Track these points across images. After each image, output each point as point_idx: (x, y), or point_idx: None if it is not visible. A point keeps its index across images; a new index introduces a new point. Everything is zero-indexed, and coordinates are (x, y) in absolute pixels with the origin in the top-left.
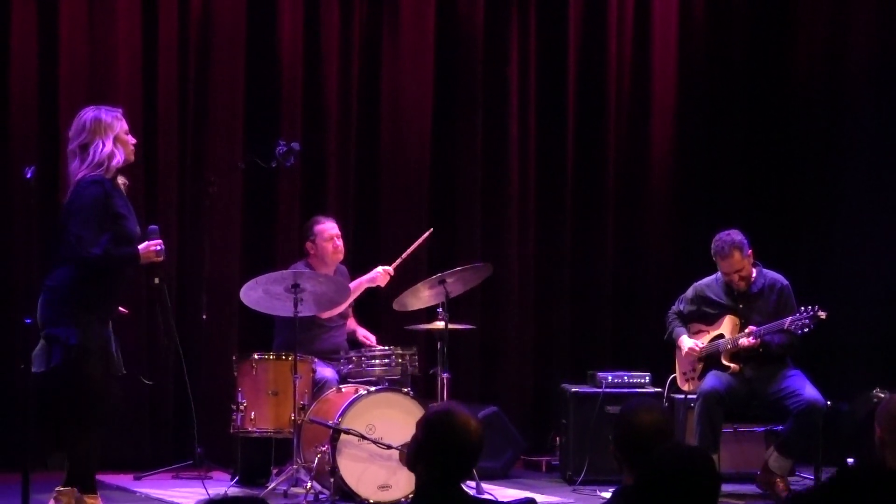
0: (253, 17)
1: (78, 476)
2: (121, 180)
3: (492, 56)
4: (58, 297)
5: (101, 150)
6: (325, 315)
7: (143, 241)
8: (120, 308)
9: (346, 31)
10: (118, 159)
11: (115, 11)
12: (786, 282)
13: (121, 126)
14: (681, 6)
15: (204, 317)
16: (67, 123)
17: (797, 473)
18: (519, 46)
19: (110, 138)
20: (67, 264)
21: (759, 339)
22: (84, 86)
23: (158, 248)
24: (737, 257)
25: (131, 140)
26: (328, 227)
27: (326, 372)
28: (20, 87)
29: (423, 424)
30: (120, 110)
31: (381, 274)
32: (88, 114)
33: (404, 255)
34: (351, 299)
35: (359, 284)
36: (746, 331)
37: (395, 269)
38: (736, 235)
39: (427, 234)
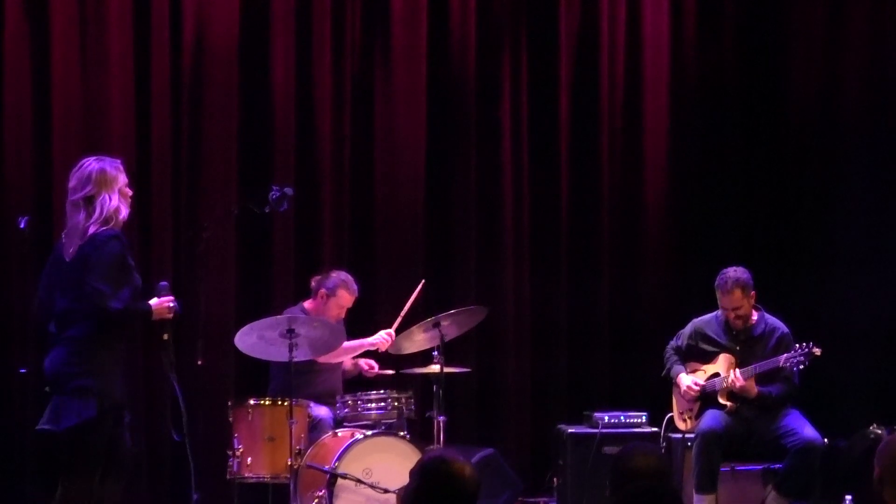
0: (245, 61)
1: None
2: None
3: (484, 98)
4: (82, 350)
5: (108, 204)
6: (322, 359)
7: (148, 294)
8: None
9: (339, 75)
10: (124, 214)
11: (107, 59)
12: (786, 329)
13: (122, 179)
14: (672, 43)
15: (199, 362)
16: (61, 172)
17: None
18: (511, 88)
19: (115, 192)
20: (86, 317)
21: (752, 384)
22: (78, 133)
23: (171, 304)
24: (737, 295)
25: (129, 192)
26: (349, 299)
27: (321, 411)
28: (14, 136)
29: (416, 473)
30: (120, 161)
31: (383, 340)
32: (93, 165)
33: (402, 314)
34: (348, 356)
35: (360, 345)
36: (734, 373)
37: (395, 330)
38: (742, 274)
39: (420, 286)
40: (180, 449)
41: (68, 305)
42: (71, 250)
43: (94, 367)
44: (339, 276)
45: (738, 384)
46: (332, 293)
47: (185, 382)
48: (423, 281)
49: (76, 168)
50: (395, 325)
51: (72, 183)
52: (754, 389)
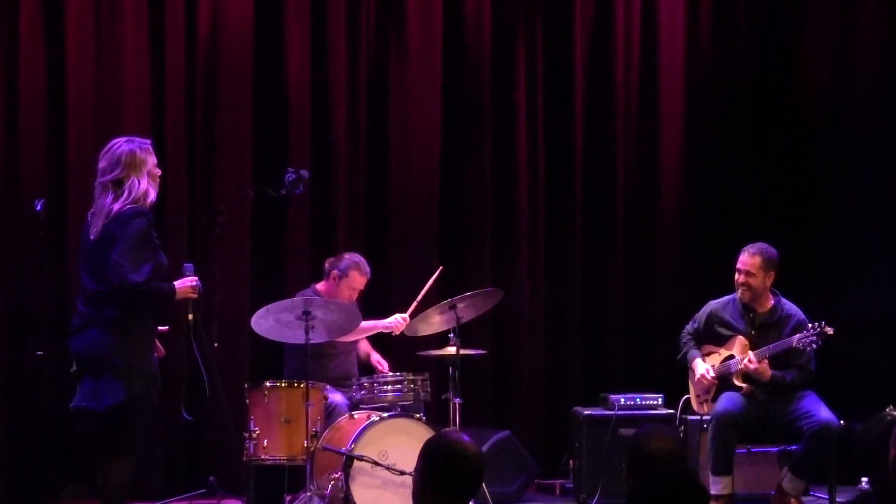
0: (260, 45)
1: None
2: None
3: (499, 82)
4: (118, 329)
5: (137, 187)
6: (339, 339)
7: (174, 277)
8: (159, 327)
9: (354, 60)
10: (152, 197)
11: (123, 43)
12: (803, 316)
13: (152, 160)
14: (687, 30)
15: (216, 345)
16: (75, 158)
17: (812, 494)
18: (526, 73)
19: (144, 174)
20: (112, 298)
21: (766, 366)
22: (92, 120)
23: (194, 283)
24: (757, 260)
25: (158, 172)
26: (360, 280)
27: (336, 397)
28: (29, 120)
29: (421, 456)
30: (149, 142)
31: (398, 322)
32: (123, 147)
33: (419, 298)
34: (362, 336)
35: (374, 326)
36: (749, 356)
37: (410, 315)
38: (770, 248)
39: (438, 272)
40: (196, 431)
41: (96, 287)
42: (95, 230)
43: (130, 348)
44: (351, 257)
45: (751, 366)
46: (344, 275)
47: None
48: (441, 267)
49: (106, 149)
50: (411, 309)
51: (101, 164)
52: (768, 372)
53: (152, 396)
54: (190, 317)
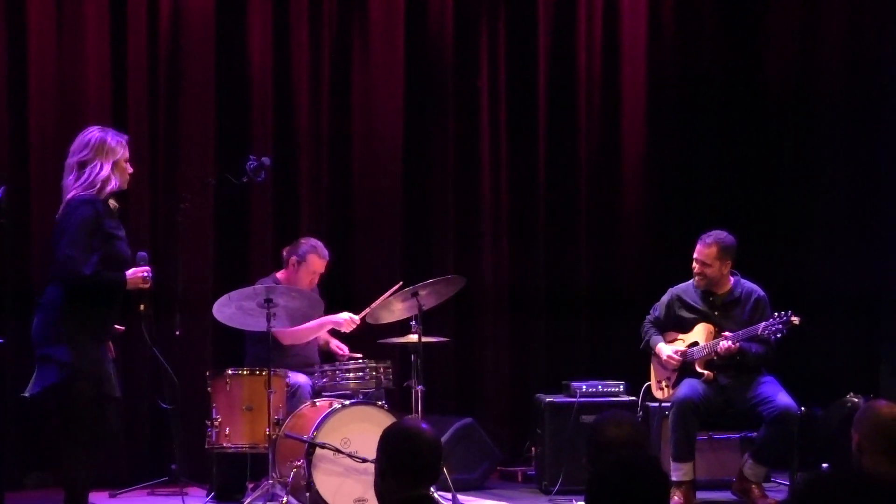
0: (222, 31)
1: (73, 498)
2: (111, 203)
3: (462, 68)
4: (51, 317)
5: (98, 172)
6: (287, 341)
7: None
8: (116, 325)
9: (316, 46)
10: (113, 185)
11: (84, 29)
12: (762, 293)
13: (123, 153)
14: (650, 17)
15: (177, 333)
16: (37, 144)
17: (773, 480)
18: (489, 57)
19: (110, 163)
20: (58, 283)
21: (737, 344)
22: (53, 104)
23: (145, 274)
24: (713, 250)
25: (129, 169)
26: (320, 265)
27: (300, 378)
28: None
29: (379, 444)
30: (126, 138)
31: (346, 321)
32: (95, 134)
33: (373, 305)
34: (312, 336)
35: (322, 323)
36: (724, 335)
37: (361, 319)
38: (727, 237)
39: (397, 286)
40: (158, 420)
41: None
42: (58, 212)
43: (58, 336)
44: (307, 241)
45: (734, 346)
46: (302, 260)
47: (162, 354)
48: (401, 282)
49: (80, 134)
50: (363, 314)
51: (72, 146)
52: (736, 347)
53: (80, 388)
54: (141, 307)
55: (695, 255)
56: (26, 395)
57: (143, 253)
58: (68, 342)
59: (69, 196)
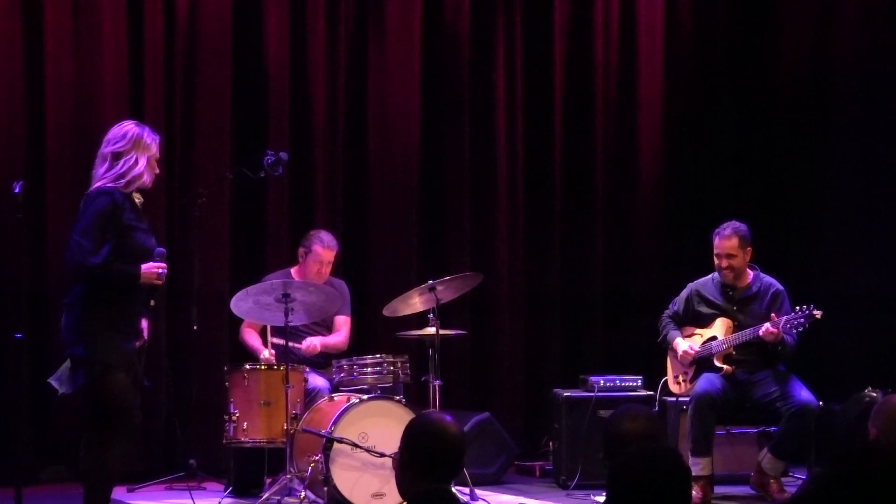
0: (239, 26)
1: (98, 493)
2: (136, 197)
3: (478, 62)
4: (76, 316)
5: (134, 165)
6: (306, 349)
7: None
8: (142, 319)
9: (333, 40)
10: (145, 180)
11: (100, 27)
12: (781, 287)
13: (156, 152)
14: (666, 12)
15: (195, 328)
16: (54, 142)
17: (790, 474)
18: (505, 53)
19: (146, 158)
20: (80, 282)
21: (779, 330)
22: (70, 102)
23: (160, 271)
24: (734, 241)
25: (157, 169)
26: (324, 254)
27: (318, 381)
28: (6, 102)
29: (403, 437)
30: (159, 137)
31: (310, 345)
32: (133, 128)
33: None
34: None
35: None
36: (772, 317)
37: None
38: (741, 226)
39: None
40: (177, 415)
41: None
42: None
43: (85, 335)
44: (312, 232)
45: (775, 330)
46: (308, 250)
47: (180, 348)
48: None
49: (115, 126)
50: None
51: (107, 136)
52: (779, 333)
53: (107, 383)
54: (152, 302)
55: (716, 251)
56: (59, 390)
57: (162, 249)
58: (97, 340)
59: (93, 187)
